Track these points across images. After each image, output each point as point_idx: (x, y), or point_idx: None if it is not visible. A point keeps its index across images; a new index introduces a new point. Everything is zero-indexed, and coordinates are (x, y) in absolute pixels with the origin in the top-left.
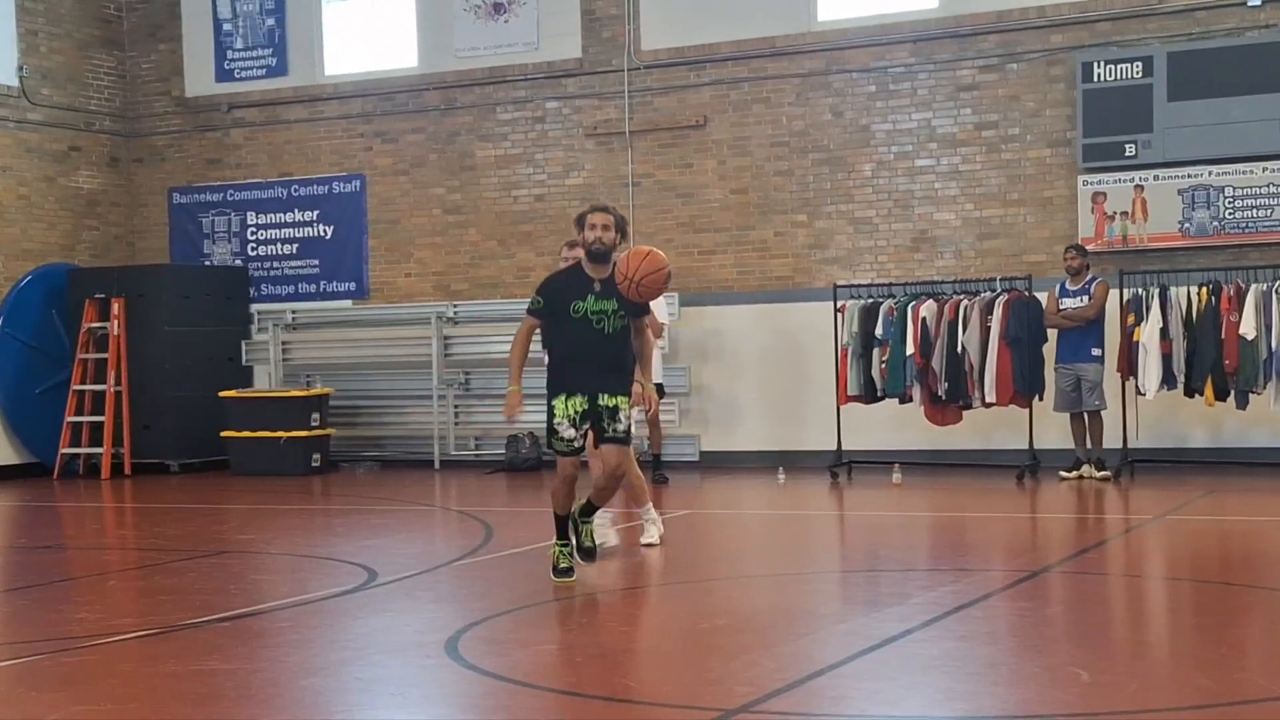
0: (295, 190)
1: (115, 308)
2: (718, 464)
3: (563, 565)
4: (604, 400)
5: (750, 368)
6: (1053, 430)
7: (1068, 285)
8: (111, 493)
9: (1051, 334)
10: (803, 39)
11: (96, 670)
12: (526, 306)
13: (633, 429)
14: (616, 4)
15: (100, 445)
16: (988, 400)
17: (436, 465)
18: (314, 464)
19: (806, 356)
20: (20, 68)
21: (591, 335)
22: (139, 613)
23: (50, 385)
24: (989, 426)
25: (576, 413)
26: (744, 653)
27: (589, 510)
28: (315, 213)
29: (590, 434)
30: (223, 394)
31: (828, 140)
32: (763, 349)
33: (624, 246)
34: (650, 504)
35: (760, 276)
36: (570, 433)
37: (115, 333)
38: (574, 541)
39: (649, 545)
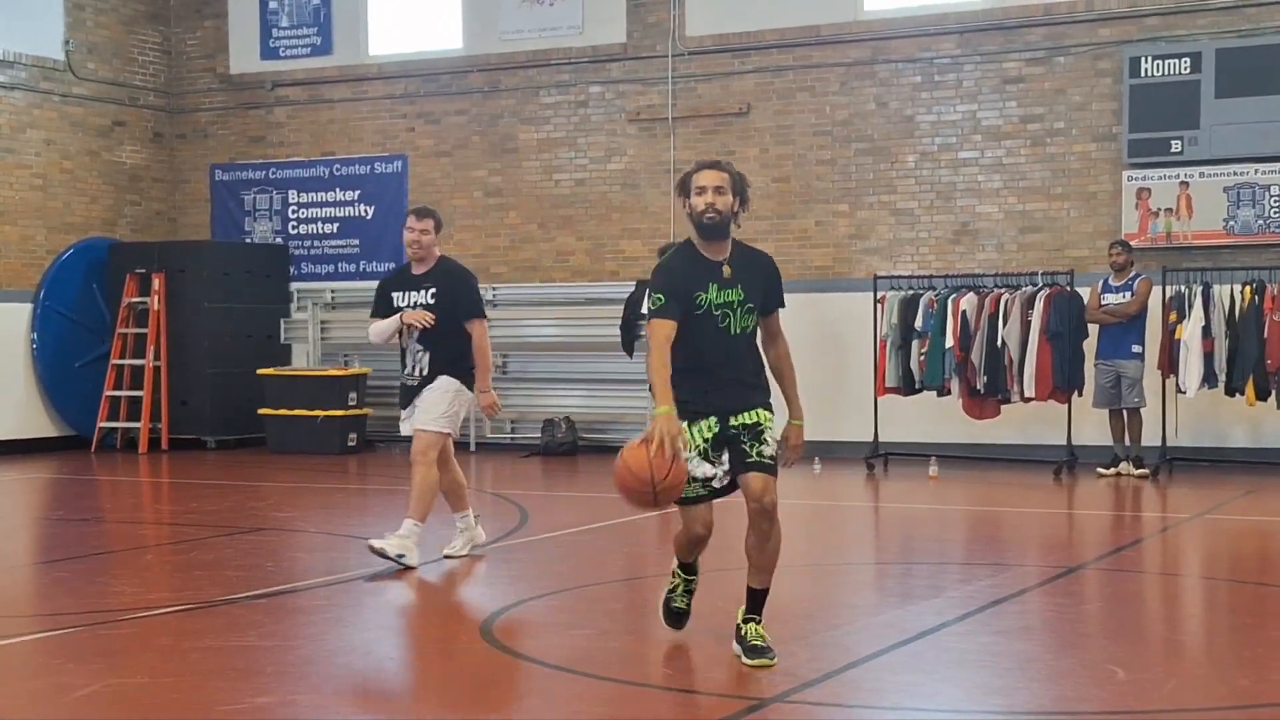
0: (337, 169)
1: (156, 283)
2: None
3: (676, 605)
4: (738, 419)
5: None
6: (1091, 426)
7: (1111, 281)
8: (148, 467)
9: (1093, 329)
10: (848, 28)
11: (134, 644)
12: (648, 309)
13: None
14: None
15: (138, 420)
16: (1026, 395)
17: (472, 448)
18: (350, 443)
19: (845, 347)
20: (66, 42)
21: (716, 336)
22: (176, 587)
23: (90, 359)
24: (1027, 421)
25: (707, 440)
26: (778, 643)
27: (755, 605)
28: (356, 192)
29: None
30: (261, 371)
31: (871, 130)
32: (801, 339)
33: (743, 215)
34: (470, 512)
35: (800, 266)
36: (706, 469)
37: (155, 308)
38: (739, 642)
39: (450, 555)
